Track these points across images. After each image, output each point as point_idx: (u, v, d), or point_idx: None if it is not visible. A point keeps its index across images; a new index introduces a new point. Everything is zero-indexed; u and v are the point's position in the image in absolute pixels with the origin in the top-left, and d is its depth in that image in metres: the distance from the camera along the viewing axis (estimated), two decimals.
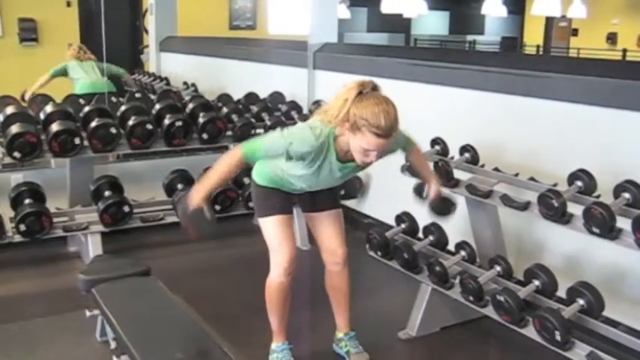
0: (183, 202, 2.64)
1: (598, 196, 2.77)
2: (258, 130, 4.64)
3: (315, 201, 2.93)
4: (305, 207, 2.99)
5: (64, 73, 6.30)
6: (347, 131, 2.50)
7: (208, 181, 2.64)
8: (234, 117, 4.69)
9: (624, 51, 14.13)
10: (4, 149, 3.87)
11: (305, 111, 5.06)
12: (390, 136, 2.46)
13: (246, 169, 4.54)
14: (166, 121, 4.30)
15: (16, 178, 4.33)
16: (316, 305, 3.31)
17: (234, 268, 4.26)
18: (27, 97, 5.88)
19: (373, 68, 4.65)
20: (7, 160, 3.90)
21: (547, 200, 2.77)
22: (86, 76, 6.26)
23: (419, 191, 3.17)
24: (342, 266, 2.99)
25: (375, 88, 2.52)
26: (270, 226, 2.83)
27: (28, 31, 8.21)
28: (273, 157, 2.65)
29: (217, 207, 4.49)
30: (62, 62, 6.39)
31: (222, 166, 2.63)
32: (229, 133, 4.55)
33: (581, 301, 2.67)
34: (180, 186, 4.49)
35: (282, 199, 2.84)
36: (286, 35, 7.73)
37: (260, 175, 2.87)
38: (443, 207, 3.10)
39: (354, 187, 4.75)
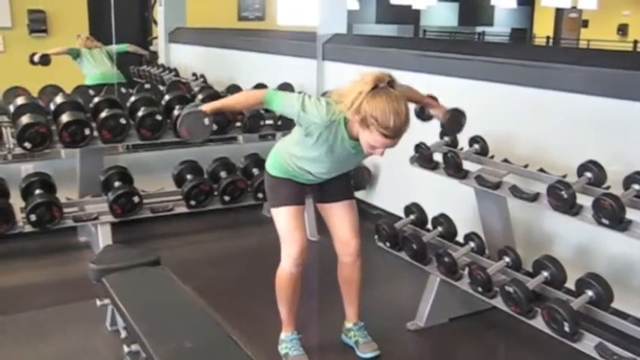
0: (191, 107, 2.82)
1: (608, 188, 2.76)
2: (267, 122, 4.65)
3: (328, 191, 2.94)
4: (317, 197, 2.99)
5: (77, 54, 6.36)
6: (357, 123, 2.50)
7: (224, 100, 2.86)
8: None
9: (635, 42, 14.04)
10: (15, 140, 3.89)
11: None
12: (398, 137, 2.45)
13: (256, 159, 4.64)
14: (176, 112, 4.31)
15: (27, 168, 4.36)
16: (324, 296, 3.32)
17: (244, 259, 4.28)
18: (36, 58, 6.12)
19: (382, 59, 4.63)
20: (18, 150, 3.92)
21: (556, 191, 2.76)
22: (96, 68, 6.32)
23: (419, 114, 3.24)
24: (355, 257, 2.99)
25: (391, 83, 2.46)
26: (282, 217, 2.84)
27: (38, 23, 8.22)
28: (285, 114, 2.70)
29: (227, 197, 4.51)
30: None
31: (242, 95, 2.84)
32: (238, 124, 4.56)
33: (590, 293, 2.66)
34: (189, 176, 4.50)
35: (295, 190, 2.85)
36: (295, 26, 7.71)
37: (273, 165, 2.89)
38: (455, 117, 3.19)
39: (363, 178, 4.77)
